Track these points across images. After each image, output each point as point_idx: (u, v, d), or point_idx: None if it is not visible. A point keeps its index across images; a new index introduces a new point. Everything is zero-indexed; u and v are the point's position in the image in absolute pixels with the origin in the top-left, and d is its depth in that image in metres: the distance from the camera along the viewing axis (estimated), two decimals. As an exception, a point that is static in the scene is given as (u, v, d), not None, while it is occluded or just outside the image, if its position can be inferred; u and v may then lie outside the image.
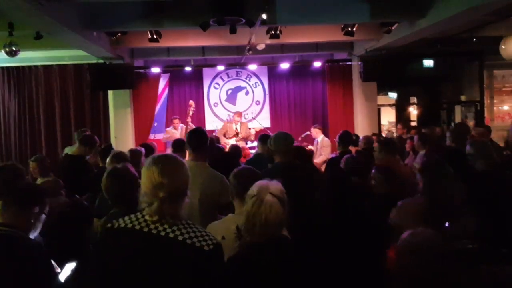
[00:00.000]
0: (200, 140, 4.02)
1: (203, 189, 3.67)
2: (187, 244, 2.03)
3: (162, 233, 2.06)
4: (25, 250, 2.62)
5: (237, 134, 10.24)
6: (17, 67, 11.35)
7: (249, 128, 10.62)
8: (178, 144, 5.80)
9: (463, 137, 5.28)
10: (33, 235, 2.81)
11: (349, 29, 8.58)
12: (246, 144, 9.89)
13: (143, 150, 5.82)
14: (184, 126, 10.23)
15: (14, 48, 7.97)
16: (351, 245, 3.26)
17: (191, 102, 10.44)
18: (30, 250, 2.64)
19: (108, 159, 5.01)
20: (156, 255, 2.04)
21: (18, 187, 2.95)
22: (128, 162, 3.97)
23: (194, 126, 10.11)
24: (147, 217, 2.11)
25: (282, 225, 2.44)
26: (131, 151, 5.84)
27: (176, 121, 10.52)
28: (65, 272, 3.01)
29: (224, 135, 10.26)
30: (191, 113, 10.18)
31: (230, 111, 12.04)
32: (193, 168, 3.82)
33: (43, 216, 2.87)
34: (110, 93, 10.98)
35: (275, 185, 2.48)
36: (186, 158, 4.06)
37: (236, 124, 10.39)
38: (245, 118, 11.90)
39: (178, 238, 2.04)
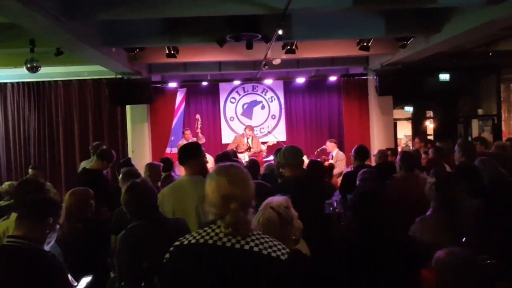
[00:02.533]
0: (187, 154, 3.96)
1: (199, 202, 3.57)
2: (263, 254, 1.99)
3: (237, 246, 2.00)
4: (39, 262, 2.62)
5: (249, 148, 10.25)
6: (37, 82, 11.54)
7: (261, 143, 10.65)
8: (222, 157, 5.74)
9: (472, 152, 5.24)
10: (48, 246, 2.81)
11: (365, 44, 8.63)
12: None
13: (161, 164, 5.89)
14: (195, 139, 10.27)
15: (35, 64, 8.14)
16: (386, 265, 3.18)
17: (198, 116, 10.51)
18: (45, 262, 2.64)
19: (120, 177, 5.06)
20: (233, 268, 1.98)
21: (31, 199, 2.95)
22: (138, 179, 4.00)
23: (204, 139, 10.20)
24: (217, 230, 2.05)
25: (282, 239, 2.34)
26: (150, 165, 5.91)
27: (187, 132, 10.50)
28: (81, 285, 3.04)
29: (236, 149, 10.29)
30: (199, 126, 10.24)
31: (246, 125, 12.08)
32: (189, 183, 3.77)
33: (58, 227, 2.88)
34: (128, 107, 11.15)
35: (279, 200, 2.50)
36: (183, 173, 3.99)
37: (247, 138, 10.41)
38: (261, 132, 11.98)
39: (253, 250, 1.99)
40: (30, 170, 6.59)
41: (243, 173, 2.13)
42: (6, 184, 6.08)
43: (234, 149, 9.84)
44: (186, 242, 2.09)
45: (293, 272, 2.01)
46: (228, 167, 2.15)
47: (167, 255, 2.10)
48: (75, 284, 2.93)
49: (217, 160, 5.83)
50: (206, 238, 2.05)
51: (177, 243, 2.12)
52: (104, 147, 7.38)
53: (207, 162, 4.78)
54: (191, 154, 3.95)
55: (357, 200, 3.43)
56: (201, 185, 3.77)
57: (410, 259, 2.99)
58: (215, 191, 2.06)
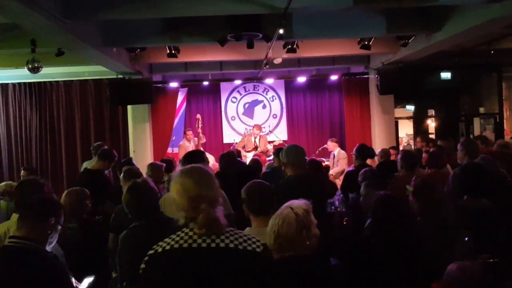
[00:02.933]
0: (193, 161, 3.92)
1: None
2: (239, 250, 2.01)
3: (213, 245, 2.01)
4: (40, 263, 2.61)
5: (256, 148, 10.26)
6: (38, 83, 11.53)
7: (268, 142, 10.66)
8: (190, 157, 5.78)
9: (475, 151, 5.22)
10: (49, 247, 2.81)
11: (366, 43, 8.61)
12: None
13: (163, 165, 5.88)
14: (197, 139, 10.27)
15: (36, 65, 8.14)
16: (400, 274, 3.09)
17: (198, 116, 10.52)
18: (46, 263, 2.64)
19: (121, 176, 5.06)
20: (213, 268, 1.99)
21: (32, 199, 2.95)
22: (140, 178, 4.00)
23: (204, 139, 10.19)
24: (190, 233, 2.04)
25: (296, 242, 2.40)
26: (152, 165, 5.90)
27: (189, 133, 10.50)
28: (83, 285, 3.04)
29: (243, 148, 10.30)
30: (200, 126, 10.24)
31: (247, 125, 12.13)
32: None
33: (59, 227, 2.87)
34: (129, 107, 11.13)
35: (299, 203, 2.48)
36: None
37: (255, 138, 10.42)
38: (262, 132, 11.97)
39: (229, 246, 2.01)
40: (22, 172, 6.47)
41: (207, 173, 2.15)
42: (3, 184, 6.06)
43: (239, 149, 9.85)
44: (160, 250, 2.06)
45: (267, 263, 2.05)
46: (190, 168, 2.16)
47: (142, 265, 2.07)
48: (78, 285, 2.92)
49: (221, 159, 5.84)
50: (180, 242, 2.04)
51: (151, 251, 2.09)
52: (105, 147, 7.37)
53: (208, 162, 4.79)
54: (194, 160, 4.00)
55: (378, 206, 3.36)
56: None
57: (422, 271, 2.95)
58: (182, 194, 2.05)
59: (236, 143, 10.96)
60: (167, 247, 2.05)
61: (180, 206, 2.06)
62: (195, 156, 4.10)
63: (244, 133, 11.52)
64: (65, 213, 3.88)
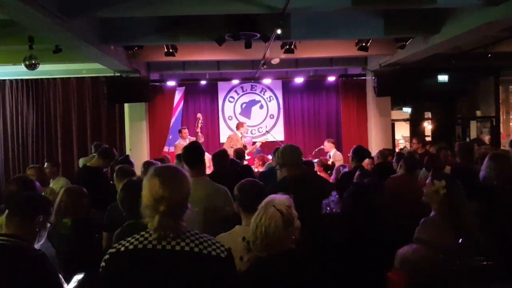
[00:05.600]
0: (196, 157, 3.98)
1: (208, 203, 3.63)
2: (203, 254, 2.00)
3: (177, 247, 2.00)
4: (27, 261, 2.58)
5: (244, 147, 10.18)
6: (35, 80, 11.53)
7: (253, 143, 10.63)
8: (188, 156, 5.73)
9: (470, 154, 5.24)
10: (38, 244, 2.79)
11: (363, 44, 8.63)
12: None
13: (158, 163, 5.85)
14: (193, 138, 10.20)
15: (33, 62, 8.11)
16: (364, 263, 3.18)
17: (199, 115, 10.48)
18: (33, 261, 2.60)
19: (114, 175, 5.05)
20: (175, 271, 1.98)
21: (20, 197, 2.92)
22: (133, 177, 3.98)
23: (203, 139, 10.13)
24: (146, 235, 2.04)
25: (284, 239, 2.41)
26: (147, 163, 5.89)
27: (184, 131, 10.37)
28: (72, 283, 3.02)
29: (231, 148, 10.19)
30: (199, 125, 10.22)
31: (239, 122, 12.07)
32: (194, 185, 3.80)
33: (48, 225, 2.85)
34: (126, 105, 11.16)
35: (281, 199, 2.48)
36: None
37: (242, 136, 10.28)
38: (259, 132, 12.00)
39: (194, 250, 1.99)
40: (46, 165, 6.64)
41: (178, 175, 2.11)
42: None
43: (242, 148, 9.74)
44: (123, 249, 2.04)
45: (231, 269, 2.04)
46: (163, 168, 2.14)
47: (103, 263, 2.05)
48: (66, 285, 2.90)
49: (214, 158, 5.80)
50: (144, 242, 2.02)
51: (112, 250, 2.08)
52: (106, 146, 7.37)
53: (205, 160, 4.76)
54: (199, 159, 3.99)
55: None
56: (209, 185, 3.80)
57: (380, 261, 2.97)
58: (148, 193, 2.04)
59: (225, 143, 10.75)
60: (130, 247, 2.03)
61: (145, 204, 2.05)
62: (193, 154, 4.01)
63: (231, 134, 11.26)
64: (60, 210, 3.90)
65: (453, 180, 3.38)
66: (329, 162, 8.35)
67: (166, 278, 1.98)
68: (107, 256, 2.06)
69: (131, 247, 2.02)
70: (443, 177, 3.36)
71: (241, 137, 10.18)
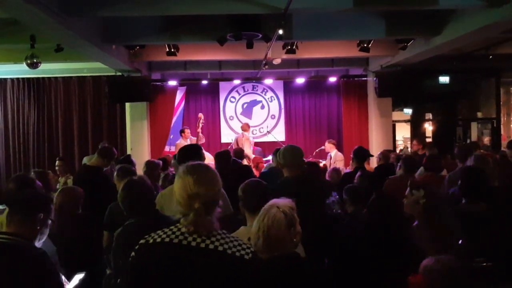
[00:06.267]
0: (190, 156, 3.81)
1: None
2: (227, 254, 2.00)
3: (202, 245, 2.01)
4: (28, 260, 2.57)
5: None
6: (37, 79, 11.54)
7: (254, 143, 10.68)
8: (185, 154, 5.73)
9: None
10: (39, 242, 2.78)
11: (365, 45, 8.64)
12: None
13: (160, 162, 5.86)
14: (195, 138, 10.23)
15: (35, 60, 8.12)
16: (382, 268, 3.17)
17: (200, 115, 10.46)
18: (34, 260, 2.59)
19: (115, 174, 5.05)
20: (198, 267, 1.99)
21: (21, 195, 2.93)
22: (134, 176, 3.98)
23: (204, 139, 10.15)
24: (183, 229, 2.06)
25: (286, 240, 2.40)
26: (149, 162, 5.89)
27: (187, 131, 10.39)
28: (73, 282, 3.02)
29: None
30: (200, 125, 10.23)
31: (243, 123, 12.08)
32: None
33: (49, 222, 2.84)
34: (127, 105, 11.15)
35: (285, 201, 2.48)
36: None
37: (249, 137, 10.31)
38: (260, 132, 12.01)
39: (218, 249, 2.00)
40: (57, 162, 6.80)
41: (210, 173, 2.14)
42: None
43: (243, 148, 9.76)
44: (151, 241, 2.08)
45: (254, 272, 2.03)
46: (195, 166, 2.15)
47: (133, 254, 2.09)
48: (67, 284, 2.90)
49: (216, 157, 5.80)
50: (171, 237, 2.05)
51: (142, 241, 2.11)
52: (107, 145, 7.39)
53: (204, 158, 4.75)
54: (194, 157, 3.94)
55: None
56: None
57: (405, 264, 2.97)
58: (181, 190, 2.06)
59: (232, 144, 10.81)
60: (158, 239, 2.07)
61: (178, 201, 2.08)
62: (191, 153, 4.00)
63: (237, 136, 11.30)
64: (57, 210, 3.90)
65: (430, 187, 3.39)
66: (321, 165, 8.33)
67: (188, 273, 1.99)
68: (137, 247, 2.10)
69: (166, 239, 2.05)
70: (420, 186, 3.35)
71: (249, 137, 10.25)
